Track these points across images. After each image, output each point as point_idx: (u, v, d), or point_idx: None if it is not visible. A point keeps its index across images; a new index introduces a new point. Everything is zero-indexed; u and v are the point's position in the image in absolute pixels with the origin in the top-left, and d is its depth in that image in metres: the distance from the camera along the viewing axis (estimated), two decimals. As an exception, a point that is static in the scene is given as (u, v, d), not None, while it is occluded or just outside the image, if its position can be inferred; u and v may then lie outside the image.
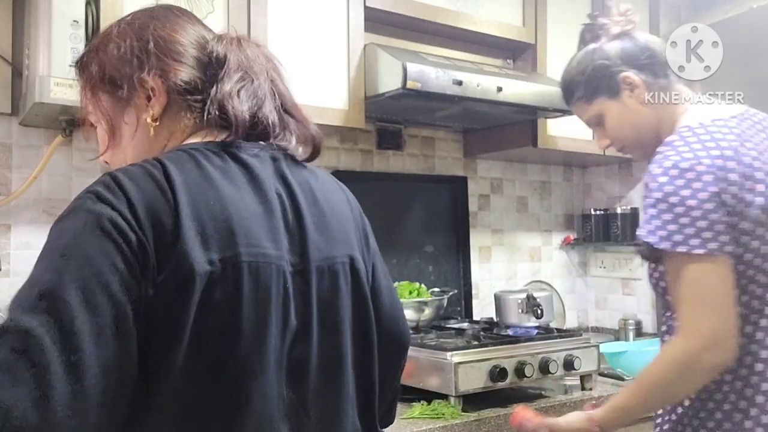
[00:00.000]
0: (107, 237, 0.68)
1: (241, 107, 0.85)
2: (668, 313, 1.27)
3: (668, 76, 1.32)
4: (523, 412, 1.35)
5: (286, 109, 0.91)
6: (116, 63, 0.88)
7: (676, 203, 1.11)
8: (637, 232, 1.17)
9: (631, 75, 1.31)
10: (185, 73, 0.86)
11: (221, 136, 0.86)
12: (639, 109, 1.31)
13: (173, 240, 0.70)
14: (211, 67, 0.88)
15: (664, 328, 1.32)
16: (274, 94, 0.90)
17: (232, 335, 0.74)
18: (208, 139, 0.86)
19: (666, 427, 1.25)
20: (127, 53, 0.87)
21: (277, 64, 0.93)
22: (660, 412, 1.27)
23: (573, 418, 1.27)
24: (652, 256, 1.17)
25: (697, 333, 1.12)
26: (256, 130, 0.87)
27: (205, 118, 0.86)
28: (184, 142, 0.86)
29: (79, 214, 0.71)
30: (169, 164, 0.76)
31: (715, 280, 1.11)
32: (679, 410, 1.23)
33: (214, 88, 0.86)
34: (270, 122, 0.88)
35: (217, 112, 0.85)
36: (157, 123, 0.87)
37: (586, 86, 1.36)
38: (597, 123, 1.39)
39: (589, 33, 1.37)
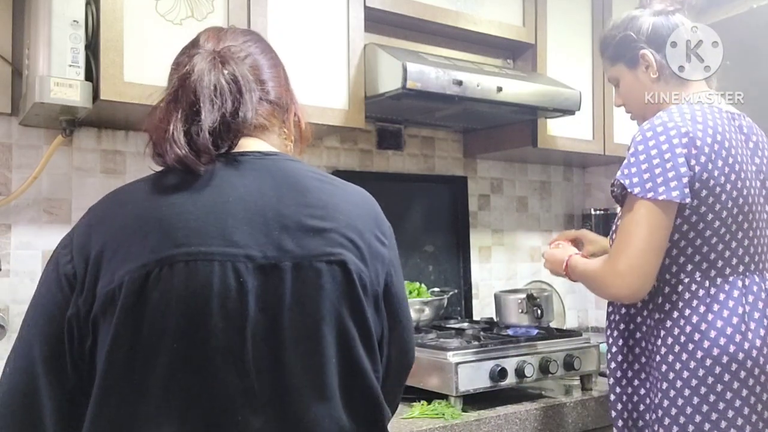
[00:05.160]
0: (55, 271, 0.86)
1: None
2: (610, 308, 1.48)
3: None
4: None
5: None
6: None
7: (653, 155, 1.28)
8: (616, 176, 1.33)
9: (649, 54, 1.44)
10: None
11: None
12: (648, 85, 1.46)
13: (90, 266, 0.83)
14: None
15: (606, 323, 1.47)
16: None
17: (162, 334, 0.79)
18: None
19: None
20: None
21: None
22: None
23: (559, 254, 1.52)
24: (623, 199, 1.33)
25: (612, 264, 1.31)
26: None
27: None
28: None
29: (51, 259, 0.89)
30: (104, 199, 0.90)
31: (655, 226, 1.27)
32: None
33: None
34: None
35: None
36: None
37: (613, 49, 1.51)
38: (615, 84, 1.55)
39: None
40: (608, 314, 1.48)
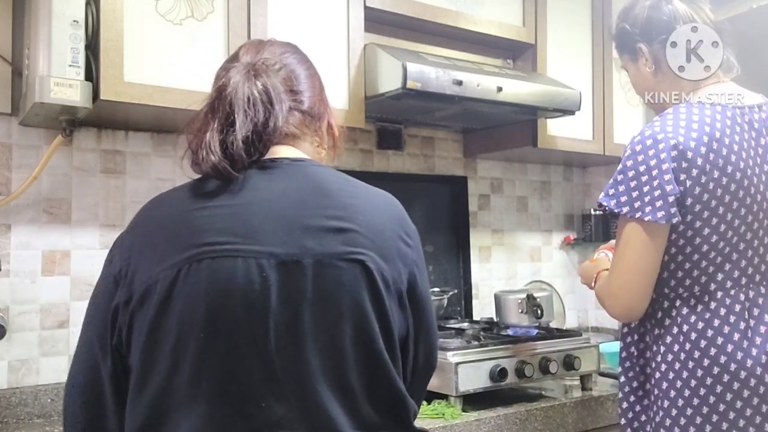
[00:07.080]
0: (107, 268, 0.96)
1: None
2: None
3: None
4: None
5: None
6: None
7: (641, 172, 1.25)
8: (600, 198, 1.31)
9: (644, 47, 1.40)
10: None
11: None
12: (649, 78, 1.43)
13: (130, 263, 0.92)
14: None
15: (625, 329, 1.43)
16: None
17: (191, 324, 0.85)
18: None
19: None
20: None
21: None
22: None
23: (591, 270, 1.48)
24: (613, 215, 1.31)
25: (607, 283, 1.34)
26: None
27: None
28: None
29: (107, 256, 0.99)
30: (147, 202, 0.99)
31: (643, 247, 1.26)
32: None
33: None
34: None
35: None
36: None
37: (617, 41, 1.49)
38: (628, 72, 1.52)
39: None
40: (621, 325, 1.44)
